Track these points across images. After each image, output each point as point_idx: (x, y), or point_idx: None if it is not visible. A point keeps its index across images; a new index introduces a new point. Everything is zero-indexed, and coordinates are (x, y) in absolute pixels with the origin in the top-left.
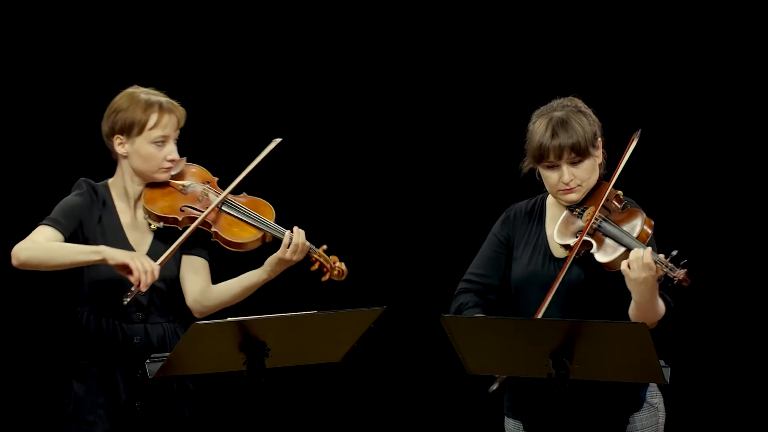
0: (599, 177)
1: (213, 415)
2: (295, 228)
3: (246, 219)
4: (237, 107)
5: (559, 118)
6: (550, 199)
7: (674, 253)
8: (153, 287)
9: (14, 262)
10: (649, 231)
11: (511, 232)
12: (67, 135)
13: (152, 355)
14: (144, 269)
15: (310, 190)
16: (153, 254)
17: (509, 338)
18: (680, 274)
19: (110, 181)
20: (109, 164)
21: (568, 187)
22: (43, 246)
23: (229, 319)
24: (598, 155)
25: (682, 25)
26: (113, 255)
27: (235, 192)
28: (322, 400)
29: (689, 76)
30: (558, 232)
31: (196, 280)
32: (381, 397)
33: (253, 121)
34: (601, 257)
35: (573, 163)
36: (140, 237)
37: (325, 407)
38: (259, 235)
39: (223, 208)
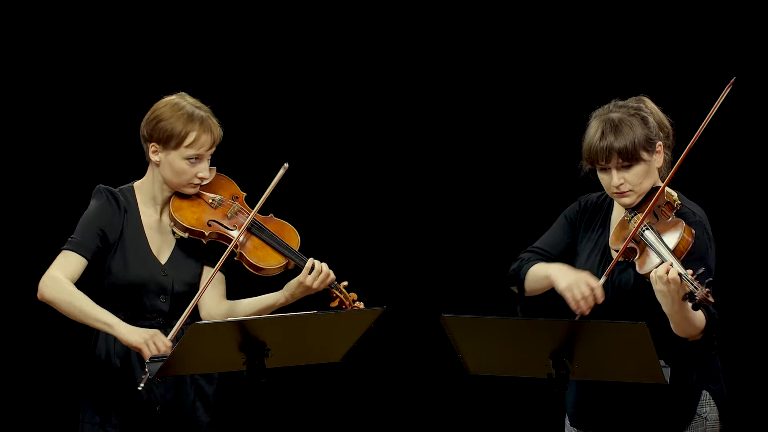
0: (663, 175)
1: (231, 418)
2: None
3: (272, 244)
4: (261, 124)
5: (612, 121)
6: None
7: (701, 270)
8: (174, 295)
9: (38, 296)
10: (690, 240)
11: (579, 222)
12: (93, 136)
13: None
14: (157, 351)
15: (310, 191)
16: (174, 260)
17: (509, 338)
18: (702, 292)
19: (137, 183)
20: (134, 166)
21: (619, 191)
22: (67, 295)
23: (229, 319)
24: (655, 159)
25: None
26: (126, 336)
27: (263, 213)
28: (322, 400)
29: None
30: (613, 235)
31: (213, 294)
32: (381, 397)
33: (274, 135)
34: (638, 268)
35: (623, 167)
36: (162, 241)
37: (325, 407)
38: (284, 262)
39: (250, 230)
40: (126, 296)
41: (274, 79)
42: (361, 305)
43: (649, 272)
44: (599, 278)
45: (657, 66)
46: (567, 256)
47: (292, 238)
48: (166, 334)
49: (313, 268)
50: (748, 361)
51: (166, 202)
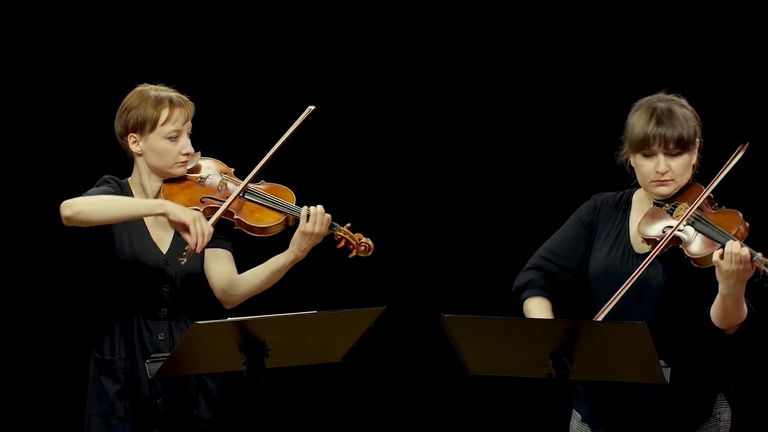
0: (692, 177)
1: (232, 414)
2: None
3: (267, 204)
4: (248, 101)
5: (664, 108)
6: (636, 196)
7: None
8: (177, 285)
9: (67, 212)
10: (744, 232)
11: (595, 220)
12: (82, 136)
13: (152, 355)
14: (202, 232)
15: (309, 191)
16: (175, 250)
17: (509, 338)
18: None
19: (128, 180)
20: (124, 166)
21: (661, 179)
22: (100, 198)
23: (229, 319)
24: (695, 154)
25: None
26: (174, 211)
27: (254, 180)
28: (322, 400)
29: None
30: (643, 224)
31: (223, 272)
32: (381, 397)
33: (264, 114)
34: (693, 249)
35: (671, 156)
36: (162, 233)
37: (325, 407)
38: (282, 218)
39: (244, 195)
40: (130, 288)
41: (277, 71)
42: (369, 241)
43: (704, 255)
44: (620, 272)
45: (659, 66)
46: (581, 260)
47: (287, 196)
48: (169, 329)
49: (309, 214)
50: (750, 360)
51: (157, 194)
